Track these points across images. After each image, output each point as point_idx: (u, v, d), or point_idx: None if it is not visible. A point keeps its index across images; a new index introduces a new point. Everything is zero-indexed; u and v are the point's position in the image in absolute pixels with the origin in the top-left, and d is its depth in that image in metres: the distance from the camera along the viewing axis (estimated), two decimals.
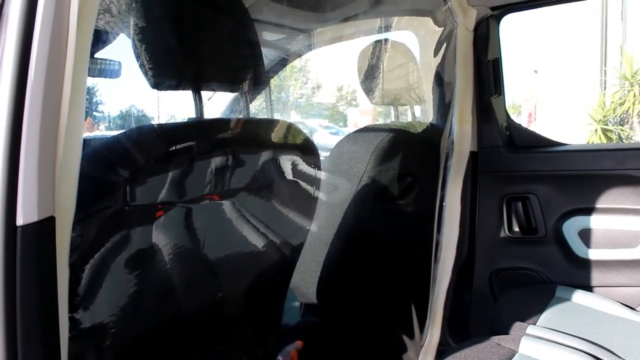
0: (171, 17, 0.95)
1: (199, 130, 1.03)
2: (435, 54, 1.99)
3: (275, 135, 1.13)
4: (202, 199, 1.00)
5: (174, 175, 0.92)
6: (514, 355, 1.36)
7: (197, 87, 1.02)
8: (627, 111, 8.52)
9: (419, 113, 2.19)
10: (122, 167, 0.85)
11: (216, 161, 1.00)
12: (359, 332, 1.82)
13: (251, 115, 1.26)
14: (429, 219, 1.94)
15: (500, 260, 2.05)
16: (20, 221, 0.63)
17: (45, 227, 0.66)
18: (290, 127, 1.18)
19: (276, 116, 2.73)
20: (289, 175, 1.17)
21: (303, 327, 1.75)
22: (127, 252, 0.88)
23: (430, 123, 2.11)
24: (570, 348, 1.37)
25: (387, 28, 2.20)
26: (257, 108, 2.54)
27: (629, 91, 8.47)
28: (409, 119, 2.18)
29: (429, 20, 2.00)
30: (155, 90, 0.92)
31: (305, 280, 1.74)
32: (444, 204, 1.95)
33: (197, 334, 1.06)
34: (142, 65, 0.90)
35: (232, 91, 1.10)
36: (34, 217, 0.64)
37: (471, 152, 1.97)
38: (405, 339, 2.00)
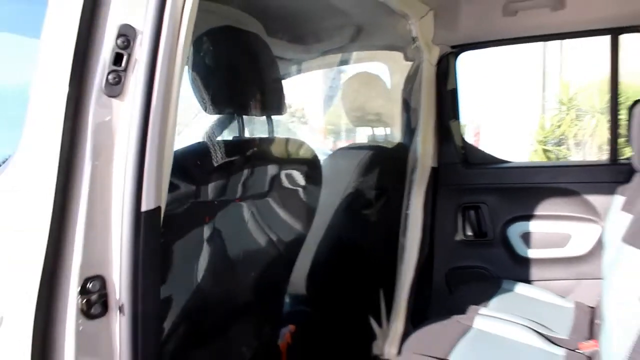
0: (222, 61, 1.24)
1: (243, 146, 1.32)
2: (404, 84, 2.31)
3: (296, 151, 1.43)
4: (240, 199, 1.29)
5: (226, 179, 1.21)
6: (470, 329, 1.69)
7: (240, 113, 1.31)
8: (564, 133, 9.19)
9: (390, 133, 2.50)
10: (194, 171, 1.13)
11: (253, 169, 1.29)
12: (339, 320, 2.10)
13: None
14: (395, 225, 2.25)
15: (456, 260, 2.40)
16: (144, 207, 0.90)
17: (156, 213, 0.92)
18: (303, 145, 1.49)
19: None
20: (300, 185, 1.47)
21: (295, 314, 2.01)
22: (190, 240, 1.15)
23: (399, 142, 2.43)
24: (513, 323, 1.72)
25: (363, 60, 2.52)
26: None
27: (566, 115, 9.16)
28: (378, 138, 2.49)
29: (400, 55, 2.33)
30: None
31: (297, 276, 2.01)
32: (408, 212, 2.25)
33: (231, 309, 1.34)
34: (200, 98, 1.18)
35: (262, 115, 1.39)
36: (151, 205, 0.91)
37: (432, 168, 2.29)
38: (375, 328, 2.29)
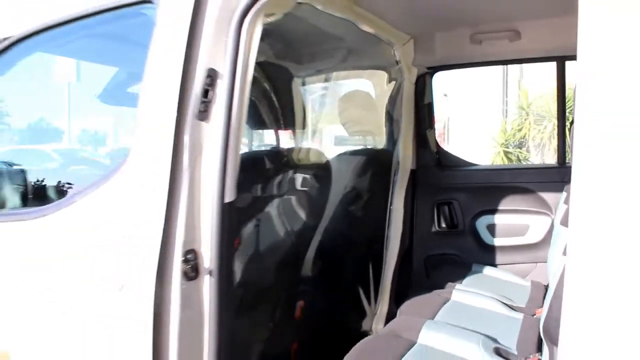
0: (259, 88, 1.61)
1: (281, 153, 1.69)
2: (388, 99, 2.69)
3: (315, 158, 1.81)
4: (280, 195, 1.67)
5: (270, 179, 1.58)
6: (449, 299, 2.08)
7: (277, 128, 1.68)
8: (524, 136, 9.76)
9: (376, 140, 2.88)
10: (252, 172, 1.49)
11: (286, 173, 1.66)
12: (337, 299, 2.46)
13: None
14: (382, 219, 2.62)
15: (432, 248, 2.80)
16: (226, 199, 1.25)
17: (234, 204, 1.28)
18: (320, 153, 1.87)
19: None
20: (317, 185, 1.85)
21: (303, 293, 2.36)
22: (248, 225, 1.52)
23: (384, 149, 2.81)
24: (483, 295, 2.12)
25: (352, 78, 2.90)
26: None
27: (525, 119, 9.72)
28: (367, 144, 2.87)
29: (384, 74, 2.70)
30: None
31: (305, 260, 2.37)
32: (391, 208, 2.63)
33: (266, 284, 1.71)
34: (253, 117, 1.55)
35: (291, 129, 1.76)
36: (232, 198, 1.26)
37: (411, 170, 2.68)
38: (365, 308, 2.66)
